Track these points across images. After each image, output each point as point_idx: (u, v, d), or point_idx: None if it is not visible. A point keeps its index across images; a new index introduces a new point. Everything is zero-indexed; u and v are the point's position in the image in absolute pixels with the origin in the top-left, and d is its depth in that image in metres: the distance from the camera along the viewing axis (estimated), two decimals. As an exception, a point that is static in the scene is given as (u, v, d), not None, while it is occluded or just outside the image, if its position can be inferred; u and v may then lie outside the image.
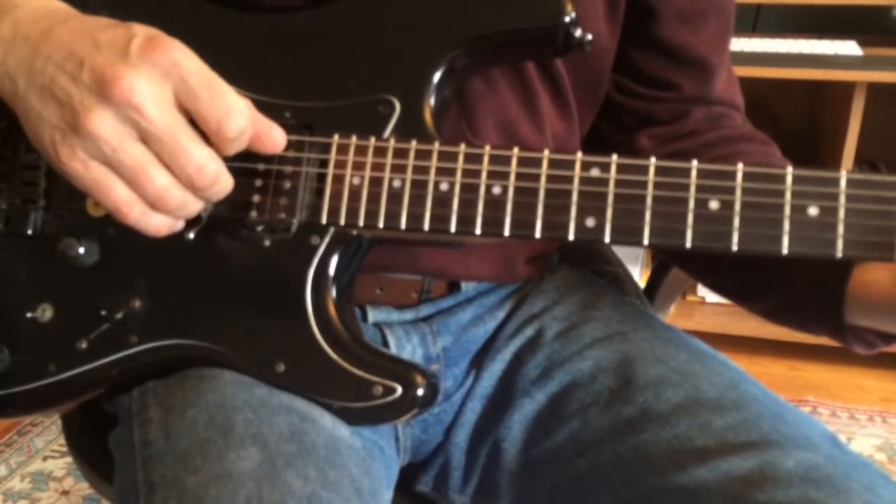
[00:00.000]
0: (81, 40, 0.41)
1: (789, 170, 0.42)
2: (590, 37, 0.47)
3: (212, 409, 0.46)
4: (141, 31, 0.42)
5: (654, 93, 0.60)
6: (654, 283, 0.78)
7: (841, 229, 0.40)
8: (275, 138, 0.45)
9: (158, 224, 0.44)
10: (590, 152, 0.44)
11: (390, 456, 0.55)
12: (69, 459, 1.37)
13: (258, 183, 0.48)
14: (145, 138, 0.41)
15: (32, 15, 0.43)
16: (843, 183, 0.41)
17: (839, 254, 0.40)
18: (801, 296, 0.52)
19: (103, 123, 0.40)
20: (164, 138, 0.41)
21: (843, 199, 0.40)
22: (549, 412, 0.56)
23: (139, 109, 0.40)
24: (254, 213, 0.48)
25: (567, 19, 0.46)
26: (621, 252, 0.75)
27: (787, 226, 0.41)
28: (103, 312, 0.49)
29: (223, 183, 0.44)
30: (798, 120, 1.75)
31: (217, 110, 0.42)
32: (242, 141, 0.44)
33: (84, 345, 0.49)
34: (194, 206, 0.44)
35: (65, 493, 1.32)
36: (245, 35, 0.51)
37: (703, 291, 1.75)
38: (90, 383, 0.50)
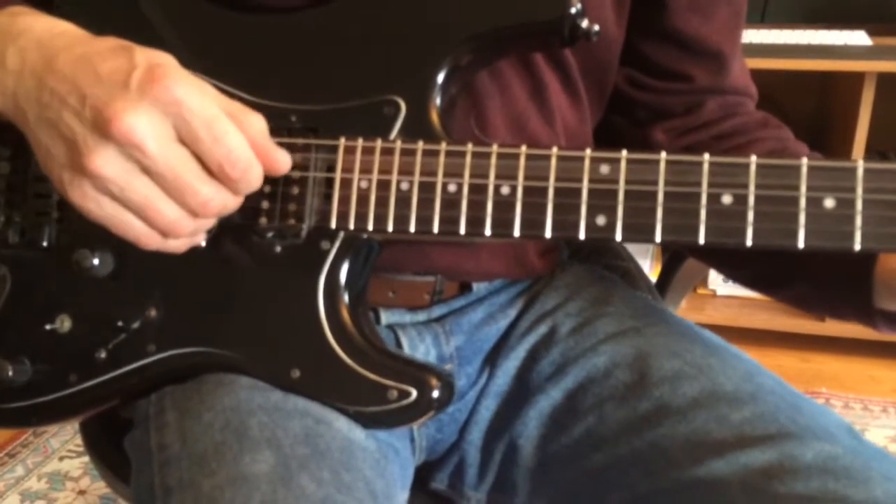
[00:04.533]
0: (83, 72, 0.41)
1: (804, 161, 0.41)
2: (597, 27, 0.47)
3: (227, 412, 0.46)
4: (143, 61, 0.41)
5: (667, 85, 0.59)
6: (665, 276, 0.78)
7: (859, 221, 0.40)
8: (278, 160, 0.45)
9: (178, 245, 0.45)
10: (603, 148, 0.44)
11: (405, 457, 0.55)
12: (85, 459, 1.38)
13: (267, 189, 0.48)
14: (148, 174, 0.41)
15: (38, 41, 0.43)
16: (859, 173, 0.40)
17: (857, 246, 0.40)
18: (828, 283, 0.51)
19: (108, 164, 0.40)
20: (166, 175, 0.41)
21: (860, 189, 0.40)
22: (565, 408, 0.56)
23: (140, 148, 0.40)
24: (263, 220, 0.48)
25: (573, 11, 0.46)
26: (631, 245, 0.75)
27: (802, 219, 0.40)
28: (120, 322, 0.49)
29: (230, 208, 0.45)
30: (807, 111, 1.74)
31: (218, 152, 0.41)
32: (249, 181, 0.43)
33: (103, 355, 0.50)
34: (208, 226, 0.46)
35: (81, 492, 1.32)
36: (248, 37, 0.50)
37: (713, 284, 1.74)
38: (111, 392, 0.50)
